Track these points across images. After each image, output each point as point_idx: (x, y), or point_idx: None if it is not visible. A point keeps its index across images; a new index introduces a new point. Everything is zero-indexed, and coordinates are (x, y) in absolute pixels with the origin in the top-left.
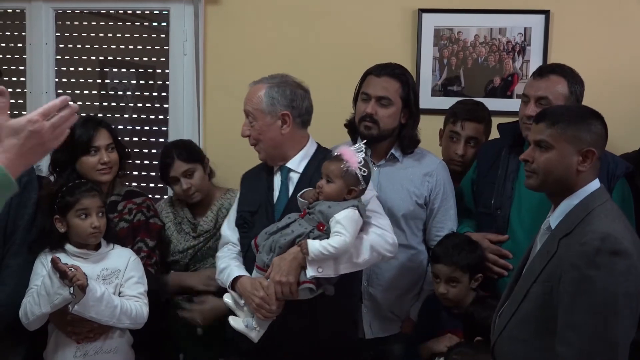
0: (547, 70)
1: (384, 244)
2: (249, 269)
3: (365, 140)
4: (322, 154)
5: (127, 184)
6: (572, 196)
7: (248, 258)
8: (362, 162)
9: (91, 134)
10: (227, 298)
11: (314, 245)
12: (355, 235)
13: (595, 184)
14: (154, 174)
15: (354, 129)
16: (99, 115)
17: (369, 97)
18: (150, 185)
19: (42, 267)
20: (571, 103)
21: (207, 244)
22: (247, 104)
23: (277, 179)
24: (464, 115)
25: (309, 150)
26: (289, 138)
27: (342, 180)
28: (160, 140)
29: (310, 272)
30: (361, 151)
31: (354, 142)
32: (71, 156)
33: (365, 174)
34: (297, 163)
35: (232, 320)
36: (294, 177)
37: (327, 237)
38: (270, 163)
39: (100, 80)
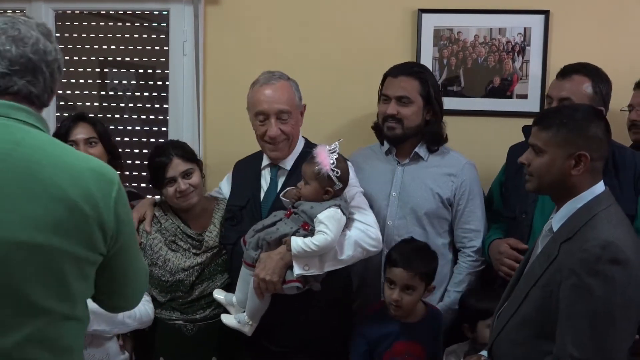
0: (570, 70)
1: (367, 239)
2: (237, 265)
3: (341, 139)
4: (310, 150)
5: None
6: (575, 199)
7: (236, 253)
8: (334, 163)
9: (68, 127)
10: (218, 294)
11: (297, 242)
12: (339, 233)
13: (599, 187)
14: None
15: (380, 131)
16: (99, 115)
17: (389, 99)
18: (150, 185)
19: None
20: (596, 103)
21: (214, 260)
22: (283, 102)
23: (266, 174)
24: None
25: (298, 146)
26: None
27: (317, 182)
28: (161, 140)
29: (297, 270)
30: (334, 152)
31: (382, 144)
32: None
33: (339, 174)
34: (286, 159)
35: (224, 317)
36: (283, 174)
37: (313, 236)
38: (279, 162)
39: (100, 81)
